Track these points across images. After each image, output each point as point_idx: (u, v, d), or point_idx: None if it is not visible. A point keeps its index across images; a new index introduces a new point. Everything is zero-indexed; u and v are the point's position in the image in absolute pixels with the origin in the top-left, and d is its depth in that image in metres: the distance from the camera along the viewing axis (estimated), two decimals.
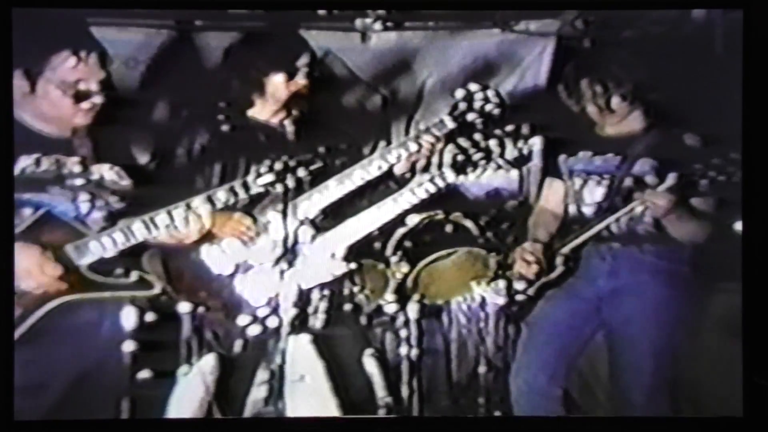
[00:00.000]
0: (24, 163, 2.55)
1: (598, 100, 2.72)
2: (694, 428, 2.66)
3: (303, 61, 2.71)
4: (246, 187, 2.60)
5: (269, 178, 2.59)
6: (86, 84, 2.58)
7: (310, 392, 2.63)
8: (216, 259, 2.63)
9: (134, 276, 2.56)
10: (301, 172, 2.60)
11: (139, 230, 2.53)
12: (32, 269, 2.48)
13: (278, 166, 2.59)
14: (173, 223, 2.54)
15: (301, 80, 2.71)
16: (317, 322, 2.67)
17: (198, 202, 2.56)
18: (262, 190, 2.61)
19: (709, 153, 2.61)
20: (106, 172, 2.61)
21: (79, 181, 2.57)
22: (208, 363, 2.63)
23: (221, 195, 2.58)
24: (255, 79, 2.72)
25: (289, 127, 2.74)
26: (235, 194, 2.59)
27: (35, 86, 2.57)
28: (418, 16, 2.78)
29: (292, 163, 2.59)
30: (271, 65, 2.71)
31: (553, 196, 2.78)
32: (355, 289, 2.69)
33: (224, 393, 2.63)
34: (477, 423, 2.72)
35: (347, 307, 2.70)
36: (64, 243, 2.50)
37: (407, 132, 2.82)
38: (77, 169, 2.57)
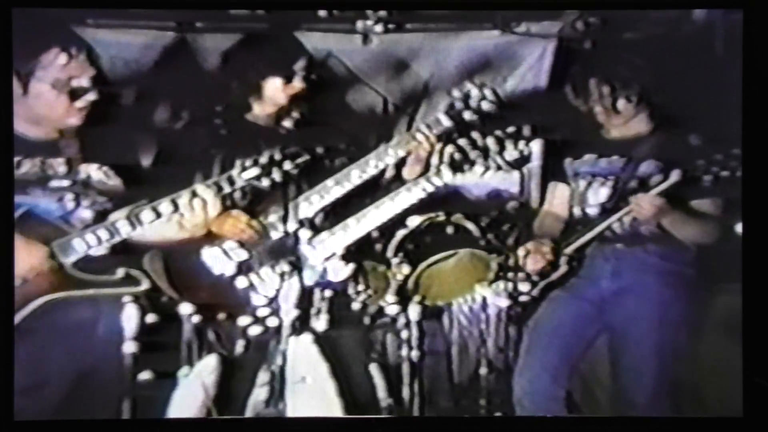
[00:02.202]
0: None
1: (605, 100, 2.72)
2: (695, 428, 2.65)
3: (300, 64, 2.71)
4: (231, 181, 2.58)
5: (254, 171, 2.57)
6: (78, 81, 2.57)
7: (310, 393, 2.63)
8: (217, 260, 2.62)
9: (120, 273, 2.54)
10: (288, 165, 2.58)
11: (123, 227, 2.52)
12: (20, 253, 2.47)
13: (264, 159, 2.58)
14: (179, 211, 2.53)
15: (298, 84, 2.71)
16: (318, 323, 2.66)
17: (201, 189, 2.55)
18: (245, 184, 2.59)
19: (711, 150, 2.62)
20: (93, 171, 2.59)
21: (64, 182, 2.55)
22: (208, 364, 2.63)
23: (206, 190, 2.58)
24: (253, 83, 2.72)
25: (289, 129, 2.74)
26: (220, 189, 2.56)
27: (27, 87, 2.55)
28: (419, 18, 2.79)
29: (277, 157, 2.58)
30: (268, 68, 2.71)
31: (557, 200, 2.79)
32: (356, 290, 2.69)
33: (225, 394, 2.63)
34: (478, 423, 2.72)
35: (348, 308, 2.70)
36: (48, 242, 2.49)
37: None
38: (62, 169, 2.56)
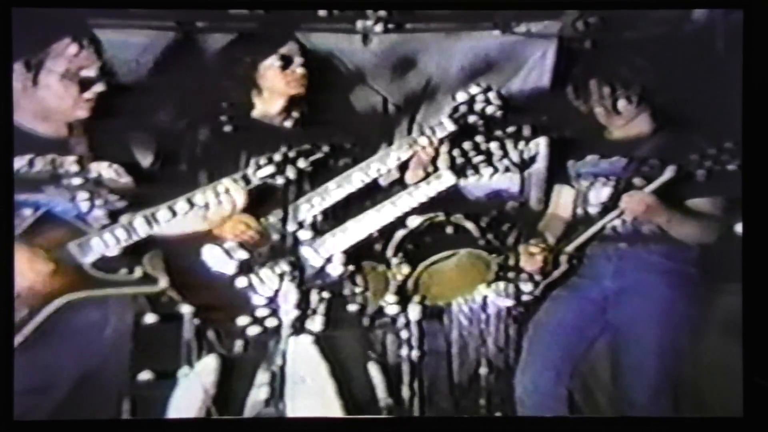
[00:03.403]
0: (17, 164, 2.54)
1: (606, 101, 2.73)
2: (695, 428, 2.65)
3: (290, 48, 2.70)
4: (246, 179, 2.58)
5: (270, 169, 2.57)
6: (87, 72, 2.57)
7: (310, 393, 2.63)
8: (217, 259, 2.62)
9: (138, 272, 2.54)
10: (302, 163, 2.58)
11: (140, 226, 2.52)
12: (22, 268, 2.47)
13: (277, 157, 2.57)
14: (205, 206, 2.54)
15: (298, 69, 2.70)
16: (317, 323, 2.66)
17: (228, 181, 2.55)
18: (261, 182, 2.59)
19: (704, 144, 2.62)
20: (104, 170, 2.59)
21: (76, 180, 2.55)
22: (208, 364, 2.63)
23: (220, 189, 2.58)
24: (247, 78, 2.72)
25: (291, 128, 2.74)
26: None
27: (38, 78, 2.55)
28: (419, 18, 2.79)
29: (291, 154, 2.58)
30: (258, 59, 2.70)
31: (562, 203, 2.79)
32: (356, 290, 2.69)
33: (224, 394, 2.63)
34: (477, 423, 2.72)
35: (348, 308, 2.69)
36: (66, 242, 2.50)
37: (409, 133, 2.81)
38: (74, 168, 2.56)
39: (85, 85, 2.57)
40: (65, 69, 2.55)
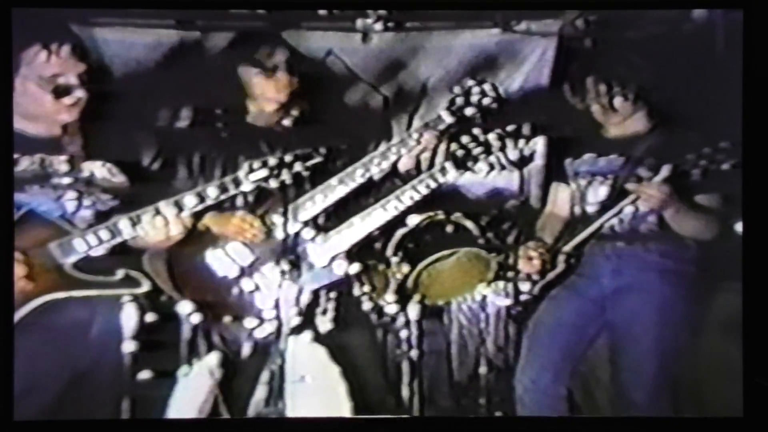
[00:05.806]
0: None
1: (602, 98, 2.73)
2: (695, 428, 2.65)
3: (279, 57, 2.70)
4: (237, 182, 2.56)
5: (263, 173, 2.56)
6: (65, 78, 2.54)
7: (310, 393, 2.62)
8: (220, 261, 2.62)
9: (120, 274, 2.51)
10: (298, 167, 2.57)
11: (125, 227, 2.49)
12: None
13: (272, 161, 2.57)
14: (137, 229, 2.49)
15: (282, 76, 2.69)
16: (317, 323, 2.66)
17: (164, 206, 2.50)
18: (253, 186, 2.57)
19: (700, 143, 2.62)
20: (97, 169, 2.56)
21: (65, 180, 2.52)
22: (209, 364, 2.63)
23: (211, 191, 2.55)
24: (239, 84, 2.71)
25: (289, 128, 2.73)
26: (226, 190, 2.55)
27: (13, 85, 2.52)
28: (419, 17, 2.79)
29: (287, 158, 2.57)
30: (248, 66, 2.70)
31: (559, 201, 2.79)
32: (356, 289, 2.69)
33: (225, 393, 2.63)
34: (477, 423, 2.72)
35: (348, 308, 2.69)
36: (48, 242, 2.46)
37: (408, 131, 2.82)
38: (64, 167, 2.53)
39: (61, 91, 2.53)
40: (38, 76, 2.52)
